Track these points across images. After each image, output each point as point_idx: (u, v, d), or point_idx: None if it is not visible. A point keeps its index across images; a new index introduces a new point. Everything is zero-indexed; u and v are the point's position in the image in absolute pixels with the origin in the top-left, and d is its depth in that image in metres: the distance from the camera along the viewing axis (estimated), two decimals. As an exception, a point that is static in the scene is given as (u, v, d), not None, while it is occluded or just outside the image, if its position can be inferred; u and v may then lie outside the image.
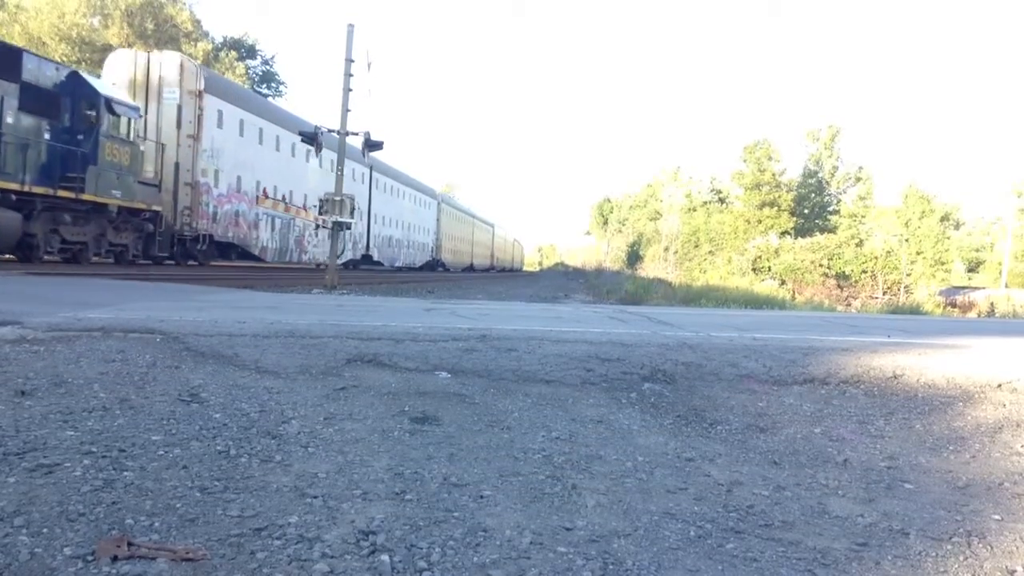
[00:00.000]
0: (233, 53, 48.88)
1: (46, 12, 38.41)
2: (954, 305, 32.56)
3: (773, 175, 57.81)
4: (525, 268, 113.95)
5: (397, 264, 41.07)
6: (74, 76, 16.88)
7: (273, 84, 54.46)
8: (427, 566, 2.03)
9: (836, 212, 61.78)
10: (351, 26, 15.71)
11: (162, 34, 40.25)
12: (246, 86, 44.38)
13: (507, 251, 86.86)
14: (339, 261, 27.35)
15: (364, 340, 4.99)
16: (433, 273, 45.10)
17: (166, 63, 20.84)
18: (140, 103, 19.67)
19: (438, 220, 50.28)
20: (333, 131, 16.22)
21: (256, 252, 25.26)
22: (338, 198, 16.07)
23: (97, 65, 30.07)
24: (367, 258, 35.31)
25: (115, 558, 1.88)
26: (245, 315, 6.11)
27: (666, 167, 77.76)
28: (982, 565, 2.41)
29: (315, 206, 23.87)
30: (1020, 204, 62.07)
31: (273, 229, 26.33)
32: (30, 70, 15.27)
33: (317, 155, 22.19)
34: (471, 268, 60.84)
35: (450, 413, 3.69)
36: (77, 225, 16.69)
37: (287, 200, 26.95)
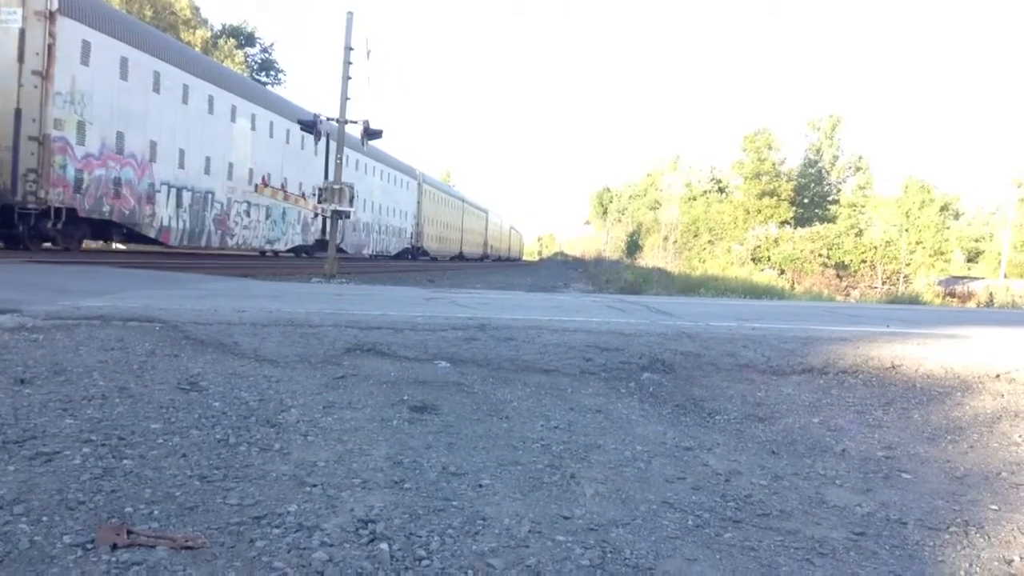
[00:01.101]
0: (232, 41, 48.66)
1: None
2: (953, 295, 32.58)
3: (773, 164, 57.77)
4: (525, 257, 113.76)
5: (366, 252, 36.50)
6: None
7: (272, 72, 54.23)
8: (426, 554, 2.04)
9: (836, 202, 61.79)
10: (350, 14, 15.65)
11: (160, 21, 40.02)
12: (245, 74, 44.11)
13: (503, 239, 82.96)
14: (281, 247, 26.71)
15: (363, 329, 4.99)
16: (415, 262, 41.08)
17: (0, -31, 15.30)
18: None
19: (418, 203, 45.25)
20: (332, 120, 16.15)
21: (152, 233, 19.66)
22: (337, 186, 16.04)
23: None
24: (325, 244, 29.07)
25: (115, 546, 1.89)
26: (244, 303, 6.11)
27: (666, 156, 77.73)
28: (979, 555, 2.42)
29: (248, 177, 23.19)
30: (1020, 194, 62.01)
31: (180, 205, 20.36)
32: None
33: (249, 118, 21.38)
34: (460, 257, 56.90)
35: (449, 402, 3.69)
36: None
37: (208, 169, 21.75)
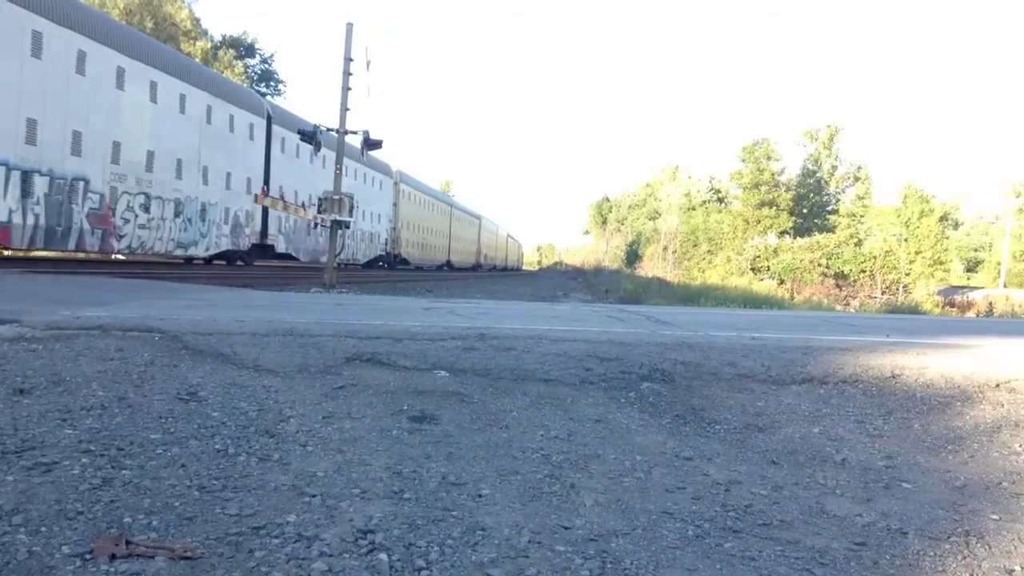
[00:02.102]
0: (232, 51, 48.85)
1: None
2: (952, 305, 32.60)
3: (772, 175, 57.95)
4: (524, 267, 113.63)
5: (324, 259, 29.13)
6: None
7: (272, 83, 54.41)
8: (425, 565, 2.03)
9: (835, 212, 61.91)
10: (350, 25, 15.73)
11: (161, 32, 40.20)
12: (245, 84, 44.22)
13: (498, 248, 78.35)
14: (200, 252, 21.40)
15: (363, 339, 4.99)
16: (391, 271, 36.99)
17: None
18: None
19: (395, 204, 39.80)
20: (332, 130, 16.20)
21: None
22: (337, 197, 16.08)
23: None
24: (266, 249, 25.88)
25: (113, 556, 1.88)
26: (243, 313, 6.11)
27: (665, 166, 78.01)
28: (980, 565, 2.41)
29: (146, 162, 18.23)
30: (1019, 204, 62.13)
31: (27, 194, 14.86)
32: None
33: (146, 86, 17.15)
34: (448, 266, 52.25)
35: (449, 412, 3.69)
36: None
37: (78, 148, 16.29)
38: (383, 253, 38.19)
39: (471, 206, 66.70)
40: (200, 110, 21.38)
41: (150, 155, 18.81)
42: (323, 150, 25.71)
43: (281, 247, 26.90)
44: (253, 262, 25.10)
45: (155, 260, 21.63)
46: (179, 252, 20.79)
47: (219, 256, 23.31)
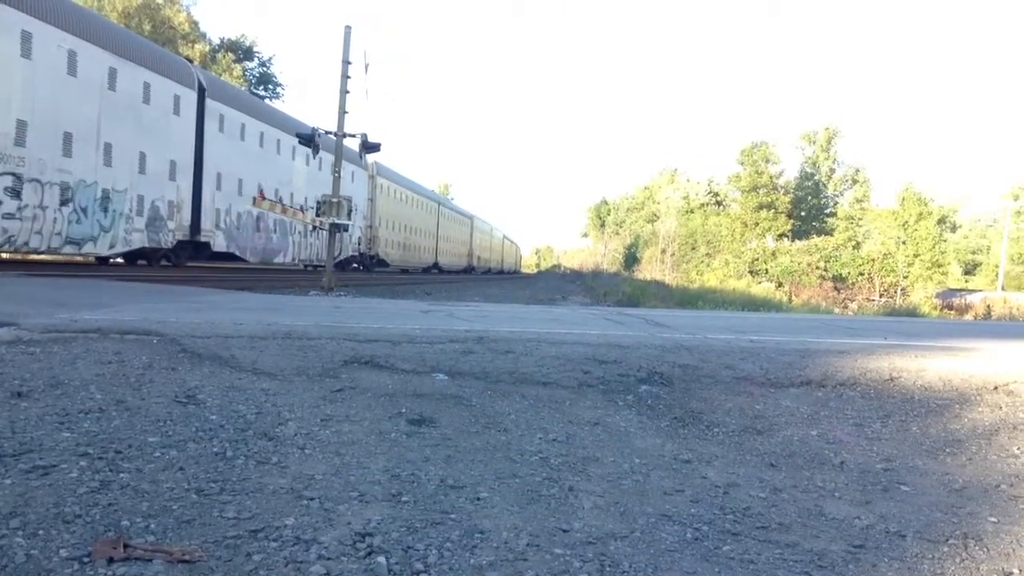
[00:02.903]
0: (230, 55, 48.87)
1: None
2: (951, 307, 32.63)
3: (770, 177, 58.06)
4: (523, 270, 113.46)
5: (280, 259, 27.26)
6: None
7: (271, 86, 54.43)
8: (424, 568, 2.03)
9: (833, 214, 62.01)
10: (348, 28, 15.74)
11: (159, 35, 40.21)
12: (243, 87, 44.17)
13: (493, 250, 75.43)
14: (103, 249, 17.40)
15: (361, 342, 4.99)
16: (370, 275, 32.89)
17: None
18: None
19: (371, 200, 35.82)
20: (330, 132, 16.20)
21: None
22: (335, 200, 16.06)
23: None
24: (200, 247, 21.49)
25: (111, 560, 1.88)
26: (242, 316, 6.11)
27: (663, 169, 78.10)
28: (979, 567, 2.41)
29: (13, 133, 14.23)
30: (1017, 207, 62.26)
31: None
32: None
33: (15, 36, 13.75)
34: (435, 269, 48.81)
35: (447, 415, 3.69)
36: None
37: None
38: (356, 254, 34.09)
39: (464, 205, 65.00)
40: (99, 73, 16.92)
41: (20, 125, 14.65)
42: (277, 133, 24.68)
43: (220, 244, 22.28)
44: (183, 262, 20.82)
45: (37, 260, 17.95)
46: (69, 249, 16.53)
47: (133, 255, 19.32)
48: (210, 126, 21.59)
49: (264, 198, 22.61)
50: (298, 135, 17.63)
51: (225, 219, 22.80)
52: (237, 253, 23.78)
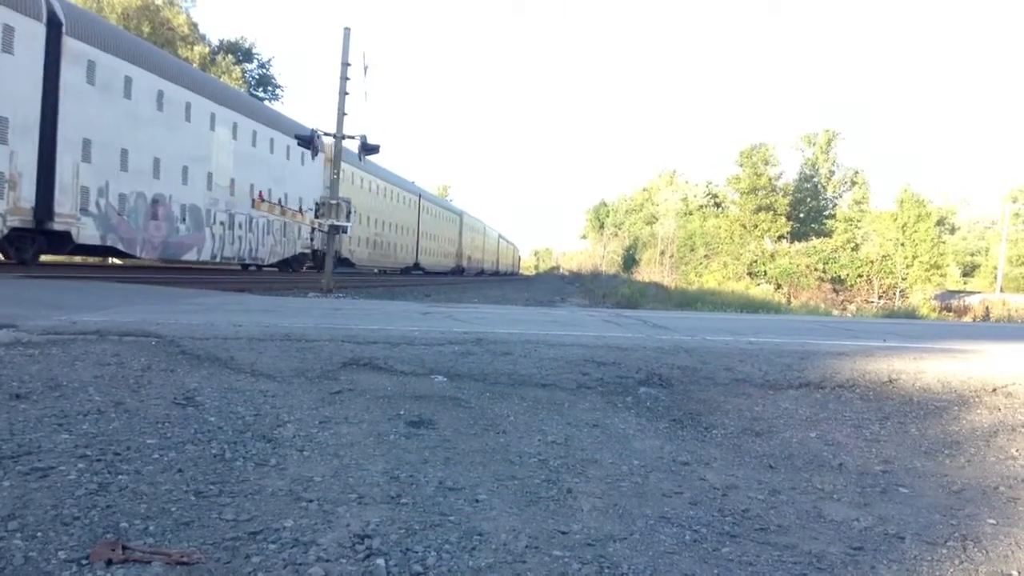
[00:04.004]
0: (230, 56, 48.85)
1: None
2: (949, 309, 32.65)
3: (769, 179, 58.04)
4: (522, 272, 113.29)
5: (194, 255, 21.18)
6: None
7: (270, 88, 54.41)
8: (422, 570, 2.03)
9: (832, 216, 62.02)
10: (347, 29, 15.74)
11: (159, 36, 40.22)
12: (243, 89, 44.08)
13: (486, 250, 70.66)
14: None
15: (360, 344, 4.99)
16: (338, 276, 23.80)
17: None
18: None
19: (328, 188, 25.80)
20: (329, 134, 16.21)
21: None
22: (334, 202, 16.06)
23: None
24: (55, 238, 16.02)
25: (110, 562, 1.88)
26: (241, 318, 6.10)
27: (662, 171, 78.15)
28: (977, 569, 2.41)
29: None
30: (1015, 209, 62.33)
31: None
32: None
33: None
34: (416, 269, 44.23)
35: (446, 417, 3.69)
36: None
37: None
38: (307, 251, 28.98)
39: (462, 206, 60.67)
40: None
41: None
42: (210, 105, 20.80)
43: (89, 235, 16.57)
44: (28, 258, 15.49)
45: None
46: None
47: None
48: (71, 75, 15.80)
49: (158, 178, 18.72)
50: (297, 137, 17.20)
51: (99, 202, 16.87)
52: (120, 247, 17.87)
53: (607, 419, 3.96)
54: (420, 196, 45.82)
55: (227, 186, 22.71)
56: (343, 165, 28.96)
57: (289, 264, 27.93)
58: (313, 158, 18.95)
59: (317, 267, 28.73)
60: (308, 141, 16.51)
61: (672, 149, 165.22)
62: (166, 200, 19.43)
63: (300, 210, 26.76)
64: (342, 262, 31.24)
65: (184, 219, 20.43)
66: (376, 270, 37.32)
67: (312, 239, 28.66)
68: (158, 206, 19.11)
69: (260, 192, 24.10)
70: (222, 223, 22.67)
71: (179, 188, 19.98)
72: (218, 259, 22.66)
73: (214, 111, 21.74)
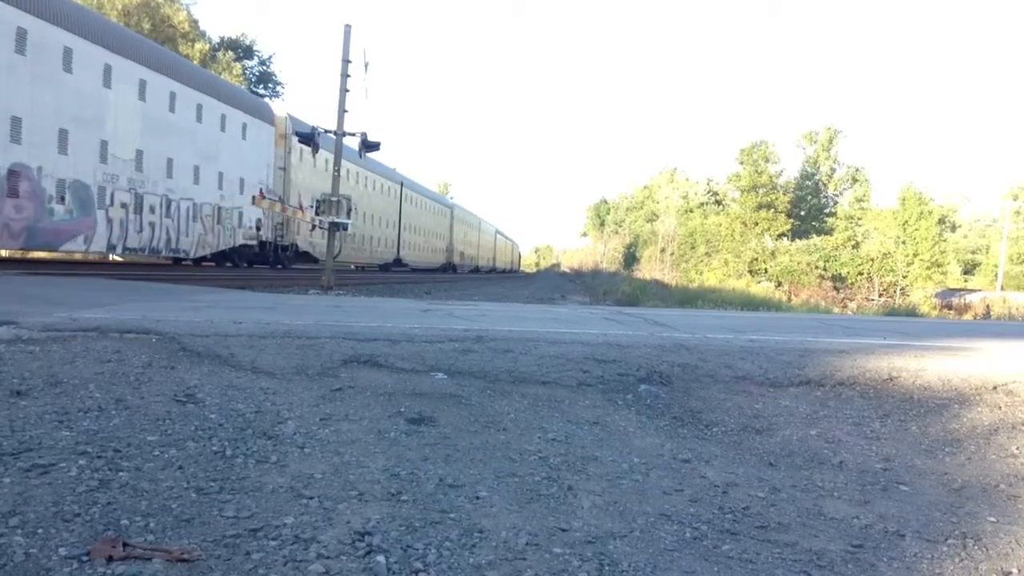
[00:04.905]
0: (230, 53, 48.79)
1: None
2: (950, 307, 32.64)
3: (770, 177, 58.01)
4: (523, 269, 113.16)
5: (71, 247, 16.77)
6: None
7: (270, 84, 54.36)
8: (423, 567, 2.03)
9: (833, 214, 61.98)
10: (348, 26, 15.71)
11: (159, 34, 40.18)
12: (243, 86, 43.98)
13: (482, 246, 66.35)
14: None
15: (360, 341, 4.99)
16: (283, 272, 24.06)
17: None
18: None
19: (283, 168, 25.70)
20: (329, 131, 16.19)
21: None
22: (335, 199, 16.05)
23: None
24: None
25: (110, 559, 1.88)
26: (241, 315, 6.10)
27: (663, 168, 77.93)
28: (978, 567, 2.41)
29: None
30: (1016, 206, 62.29)
31: None
32: None
33: None
34: (397, 265, 39.77)
35: (446, 414, 3.69)
36: None
37: None
38: (253, 242, 24.09)
39: (465, 204, 56.75)
40: None
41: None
42: (95, 49, 16.10)
43: None
44: None
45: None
46: None
47: None
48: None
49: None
50: (297, 134, 16.90)
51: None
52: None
53: (608, 417, 3.96)
54: (402, 184, 40.65)
55: (131, 159, 17.79)
56: (303, 145, 23.63)
57: (228, 258, 23.17)
58: (315, 154, 17.67)
59: (270, 263, 25.26)
60: (309, 138, 16.48)
61: (673, 146, 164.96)
62: (31, 173, 14.86)
63: (241, 192, 22.74)
64: (301, 255, 27.27)
65: (63, 198, 15.84)
66: (353, 266, 33.75)
67: (259, 228, 24.25)
68: (18, 180, 14.54)
69: (185, 170, 19.79)
70: (124, 205, 17.54)
71: (53, 158, 15.42)
72: (119, 250, 18.05)
73: (110, 62, 16.98)
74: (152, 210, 18.66)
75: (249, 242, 23.99)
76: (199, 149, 20.82)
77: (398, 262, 39.82)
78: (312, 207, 16.75)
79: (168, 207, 19.34)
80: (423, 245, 45.66)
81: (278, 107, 28.10)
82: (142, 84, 18.16)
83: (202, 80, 21.84)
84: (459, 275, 47.55)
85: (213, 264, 22.64)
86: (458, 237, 55.40)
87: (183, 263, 21.40)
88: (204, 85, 21.50)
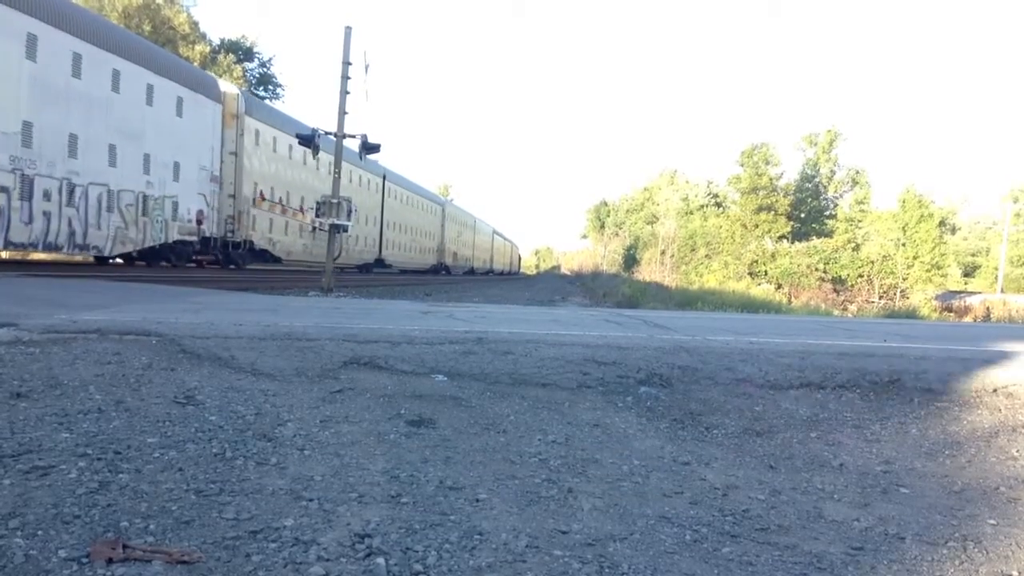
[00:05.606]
0: (231, 55, 48.84)
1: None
2: (950, 310, 32.63)
3: (770, 179, 58.01)
4: (522, 271, 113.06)
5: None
6: None
7: (271, 87, 54.40)
8: (423, 569, 2.03)
9: (833, 216, 62.01)
10: (348, 28, 15.72)
11: (159, 35, 40.21)
12: (244, 88, 43.93)
13: (477, 247, 63.27)
14: None
15: (360, 343, 4.99)
16: (235, 272, 21.33)
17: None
18: None
19: (234, 154, 21.73)
20: (330, 133, 16.20)
21: None
22: (335, 200, 16.05)
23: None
24: None
25: (110, 560, 1.88)
26: (241, 317, 6.10)
27: (663, 171, 77.97)
28: (978, 570, 2.41)
29: None
30: (1016, 209, 62.32)
31: None
32: None
33: None
34: (380, 265, 36.46)
35: (446, 416, 3.69)
36: None
37: None
38: (192, 237, 20.20)
39: (466, 206, 53.50)
40: None
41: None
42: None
43: None
44: None
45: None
46: None
47: None
48: None
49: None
50: (298, 135, 16.98)
51: None
52: None
53: (608, 419, 3.96)
54: (384, 177, 36.55)
55: (16, 132, 13.84)
56: (254, 123, 22.46)
57: (160, 256, 19.39)
58: (315, 156, 16.64)
59: (219, 261, 22.09)
60: (309, 140, 16.47)
61: (673, 149, 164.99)
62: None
63: (176, 179, 19.02)
64: (257, 254, 23.73)
65: None
66: (346, 268, 30.99)
67: (200, 222, 20.31)
68: None
69: (121, 158, 16.42)
70: (5, 190, 13.75)
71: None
72: (44, 245, 14.86)
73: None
74: (47, 196, 14.64)
75: (187, 237, 19.89)
76: (116, 125, 16.70)
77: (380, 262, 36.40)
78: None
79: (71, 194, 15.30)
80: (409, 244, 41.87)
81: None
82: (31, 40, 14.02)
83: (121, 41, 17.40)
84: (454, 277, 45.37)
85: (144, 264, 19.35)
86: (451, 236, 51.85)
87: (112, 261, 18.37)
88: (123, 48, 17.08)
